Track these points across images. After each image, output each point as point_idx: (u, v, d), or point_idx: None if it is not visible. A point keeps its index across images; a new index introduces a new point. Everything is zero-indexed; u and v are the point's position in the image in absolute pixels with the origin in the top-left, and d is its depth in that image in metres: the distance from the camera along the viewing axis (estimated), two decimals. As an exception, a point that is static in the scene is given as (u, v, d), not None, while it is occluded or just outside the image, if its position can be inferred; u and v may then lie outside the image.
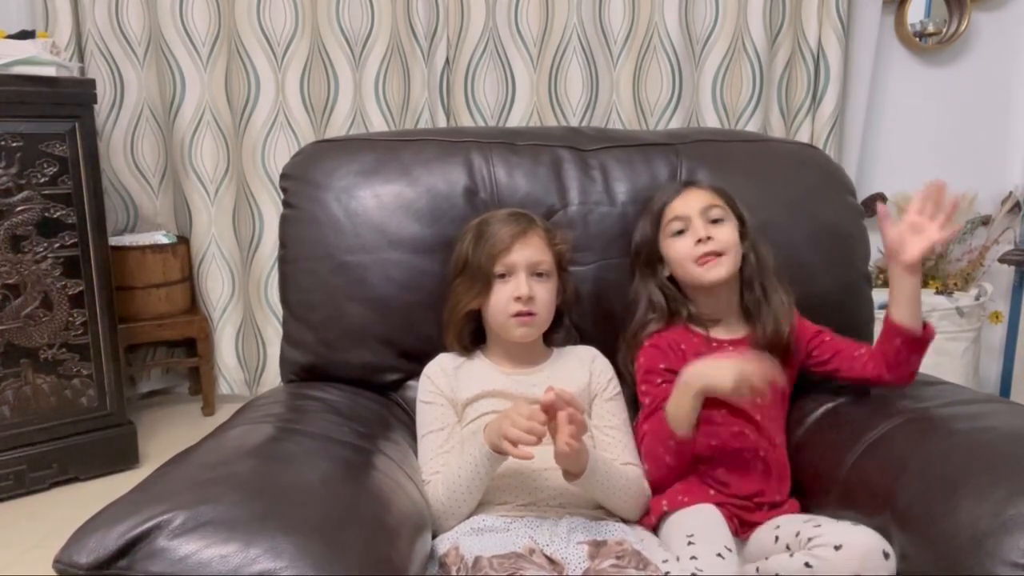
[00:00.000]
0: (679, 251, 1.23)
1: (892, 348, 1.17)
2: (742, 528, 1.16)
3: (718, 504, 1.15)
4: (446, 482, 1.09)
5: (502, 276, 1.19)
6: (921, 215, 1.13)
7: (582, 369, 1.24)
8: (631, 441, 1.21)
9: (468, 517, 1.11)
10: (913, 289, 1.14)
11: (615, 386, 1.25)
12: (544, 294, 1.20)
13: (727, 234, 1.22)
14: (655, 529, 1.16)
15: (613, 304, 1.33)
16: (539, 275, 1.20)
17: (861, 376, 1.21)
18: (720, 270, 1.20)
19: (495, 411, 1.14)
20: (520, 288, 1.17)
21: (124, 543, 0.77)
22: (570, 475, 1.08)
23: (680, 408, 1.12)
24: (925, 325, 1.17)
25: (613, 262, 1.34)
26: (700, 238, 1.20)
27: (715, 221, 1.23)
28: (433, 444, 1.17)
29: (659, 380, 1.21)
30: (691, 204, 1.23)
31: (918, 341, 1.16)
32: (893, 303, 1.16)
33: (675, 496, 1.16)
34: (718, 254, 1.20)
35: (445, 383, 1.21)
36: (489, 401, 1.18)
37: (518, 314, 1.18)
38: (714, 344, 1.24)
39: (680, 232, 1.23)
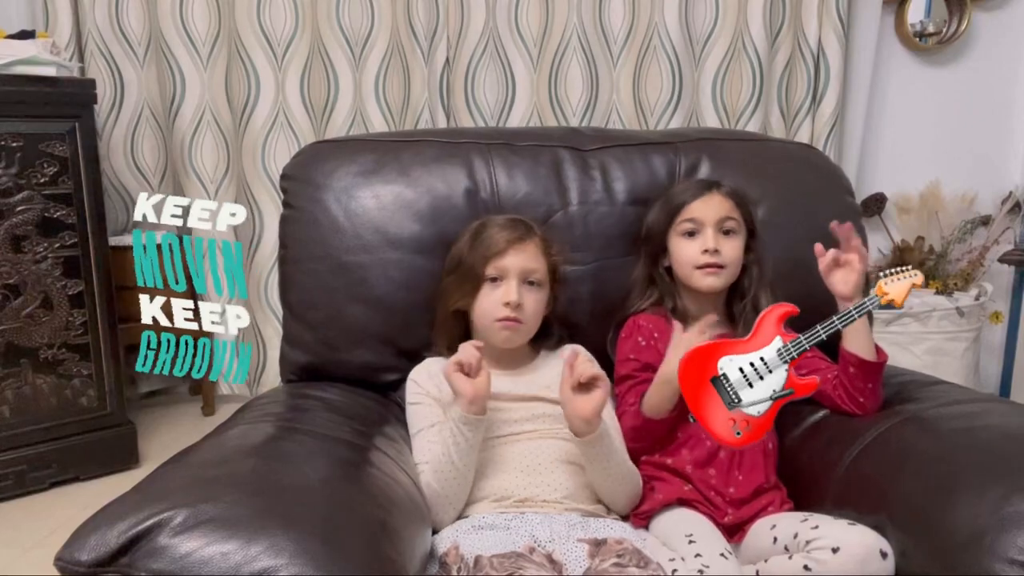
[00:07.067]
0: (685, 253, 1.26)
1: (847, 375, 1.18)
2: (730, 533, 1.15)
3: (690, 500, 1.16)
4: (434, 467, 1.10)
5: (494, 280, 1.19)
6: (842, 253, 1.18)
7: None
8: (620, 437, 1.20)
9: (466, 515, 1.11)
10: (859, 319, 1.15)
11: None
12: (533, 304, 1.20)
13: (733, 249, 1.25)
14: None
15: (612, 304, 1.33)
16: (531, 283, 1.20)
17: (830, 399, 1.21)
18: (716, 281, 1.25)
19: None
20: (510, 294, 1.17)
21: (125, 541, 0.77)
22: (582, 434, 1.08)
23: (659, 397, 1.16)
24: (879, 351, 1.18)
25: (613, 262, 1.35)
26: (708, 249, 1.23)
27: (727, 232, 1.25)
28: (425, 440, 1.17)
29: (624, 372, 1.26)
30: (709, 212, 1.25)
31: (872, 367, 1.17)
32: (844, 334, 1.17)
33: (652, 495, 1.17)
34: (720, 266, 1.23)
35: (431, 384, 1.21)
36: None
37: (504, 319, 1.18)
38: None
39: (691, 234, 1.26)
